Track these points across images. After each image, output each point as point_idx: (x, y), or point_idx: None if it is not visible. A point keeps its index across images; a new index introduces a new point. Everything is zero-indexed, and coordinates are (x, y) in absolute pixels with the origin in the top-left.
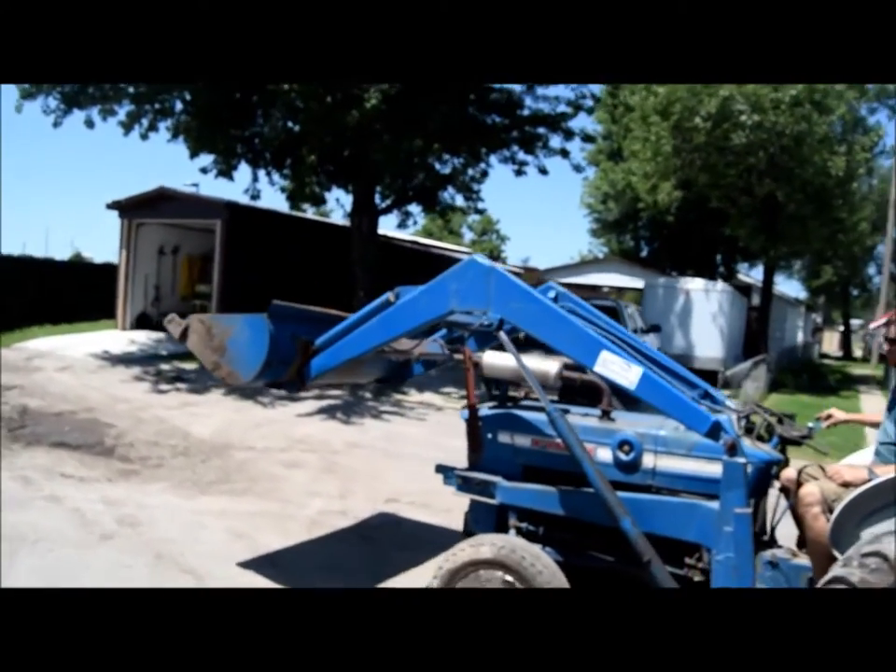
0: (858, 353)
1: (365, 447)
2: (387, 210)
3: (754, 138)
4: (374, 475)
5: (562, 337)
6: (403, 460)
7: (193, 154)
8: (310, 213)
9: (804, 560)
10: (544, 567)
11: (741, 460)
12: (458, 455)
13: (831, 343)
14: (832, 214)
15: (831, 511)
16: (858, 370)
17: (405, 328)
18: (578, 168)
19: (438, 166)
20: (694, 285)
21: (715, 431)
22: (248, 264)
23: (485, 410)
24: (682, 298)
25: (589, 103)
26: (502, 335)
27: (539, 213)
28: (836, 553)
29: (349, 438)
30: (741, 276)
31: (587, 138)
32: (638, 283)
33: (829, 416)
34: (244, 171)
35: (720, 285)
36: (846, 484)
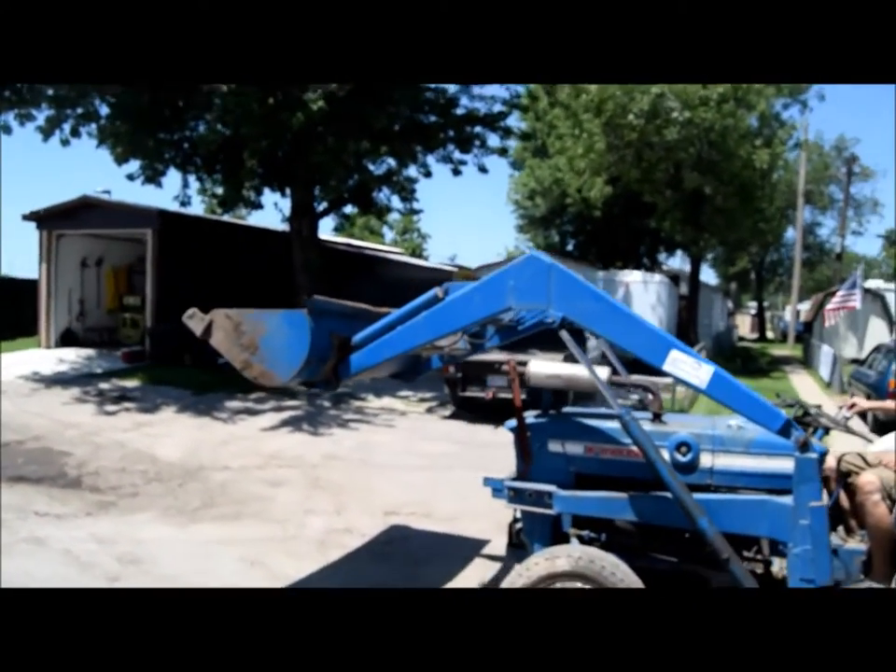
0: (770, 335)
1: (343, 459)
2: (326, 213)
3: (685, 134)
4: (362, 488)
5: (630, 335)
6: (386, 470)
7: (120, 160)
8: (252, 219)
9: (856, 545)
10: (624, 576)
11: (813, 455)
12: (440, 460)
13: (743, 326)
14: (755, 205)
15: (890, 498)
16: (777, 350)
17: (456, 325)
18: (515, 165)
19: (372, 167)
20: (633, 277)
21: (787, 428)
22: (183, 274)
23: (530, 419)
24: (622, 290)
25: (524, 101)
26: (565, 335)
27: (463, 210)
28: None
29: (324, 450)
30: (665, 266)
31: (525, 136)
32: None
33: (853, 405)
34: (171, 177)
35: (657, 276)
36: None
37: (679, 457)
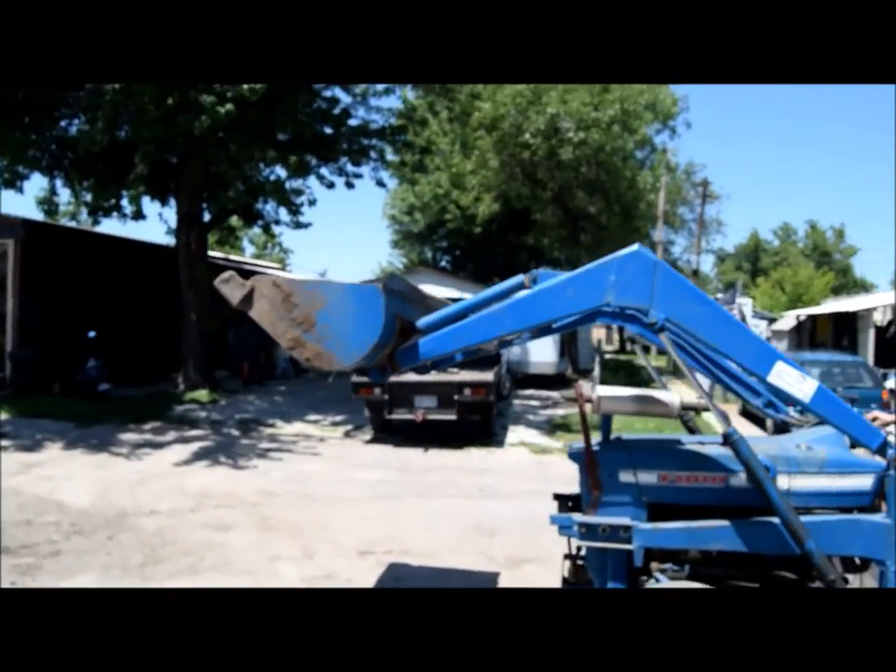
0: (628, 346)
1: (281, 494)
2: (212, 226)
3: (578, 154)
4: (318, 525)
5: (736, 343)
6: (333, 503)
7: None
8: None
9: None
10: None
11: None
12: (382, 489)
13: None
14: (634, 224)
15: None
16: (643, 362)
17: (544, 318)
18: (412, 182)
19: (261, 178)
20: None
21: (884, 448)
22: (52, 291)
23: (595, 448)
24: None
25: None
26: (664, 338)
27: (334, 224)
28: None
29: (256, 485)
30: None
31: (424, 150)
32: (451, 293)
33: (875, 419)
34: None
35: None
36: None
37: None
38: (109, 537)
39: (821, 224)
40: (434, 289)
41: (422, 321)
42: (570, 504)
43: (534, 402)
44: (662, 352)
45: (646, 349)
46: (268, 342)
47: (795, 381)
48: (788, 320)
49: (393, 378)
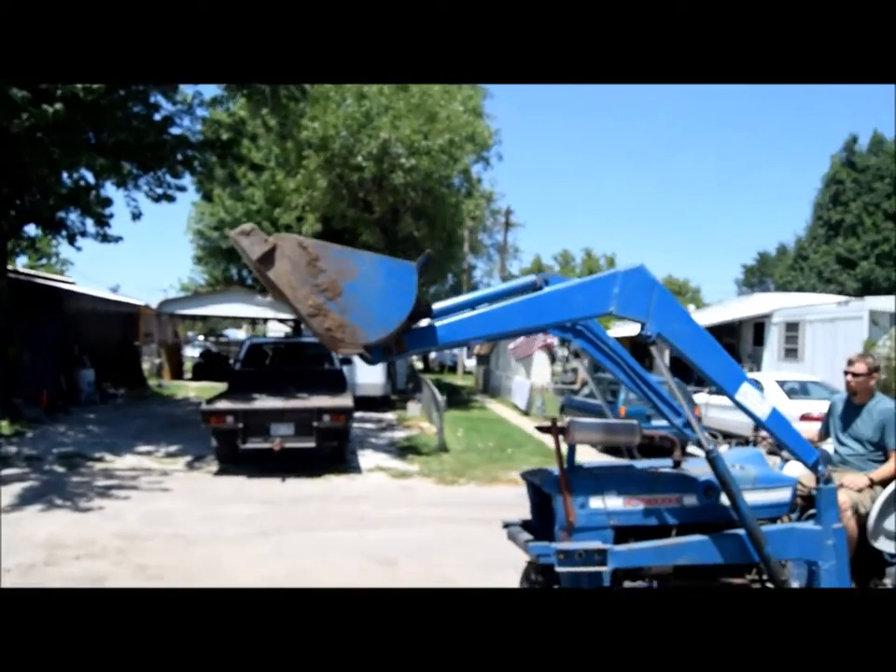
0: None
1: (147, 537)
2: (10, 235)
3: (409, 179)
4: (209, 567)
5: (713, 363)
6: (214, 543)
7: None
8: None
9: None
10: None
11: (833, 486)
12: (258, 524)
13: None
14: (453, 250)
15: (857, 514)
16: (450, 380)
17: (553, 318)
18: (241, 197)
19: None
20: None
21: (817, 464)
22: None
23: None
24: None
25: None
26: (656, 356)
27: (128, 237)
28: (877, 545)
29: (112, 529)
30: None
31: (255, 166)
32: (264, 312)
33: (840, 486)
34: None
35: None
36: (860, 491)
37: (706, 499)
38: None
39: (595, 251)
40: (245, 309)
41: (437, 307)
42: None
43: (369, 425)
44: (466, 371)
45: (442, 367)
46: (69, 364)
47: (757, 401)
48: None
49: (246, 405)
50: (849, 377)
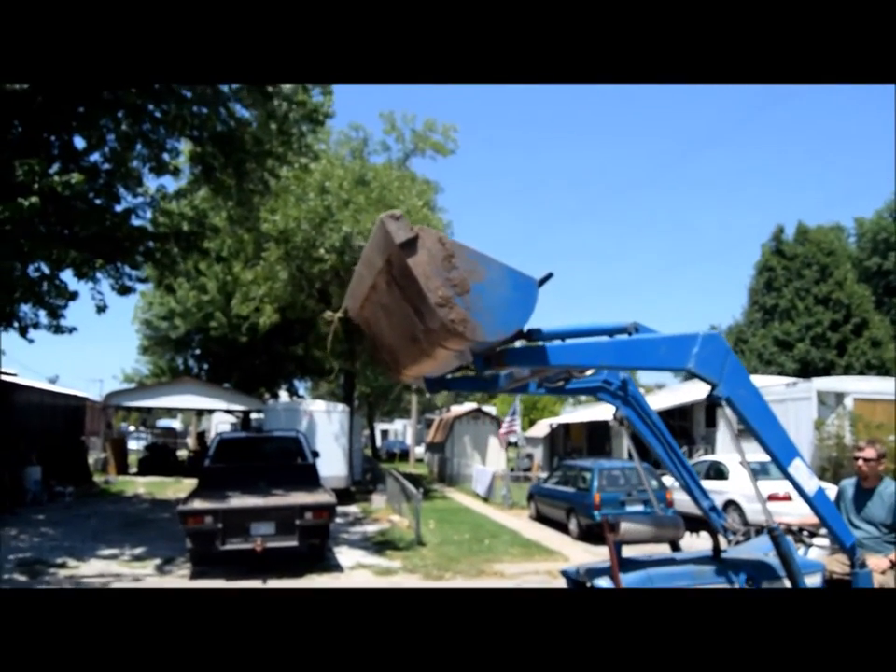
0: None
1: None
2: None
3: None
4: None
5: (772, 434)
6: None
7: None
8: None
9: None
10: None
11: (868, 570)
12: None
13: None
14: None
15: None
16: (407, 469)
17: (636, 363)
18: (202, 289)
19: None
20: (316, 406)
21: (854, 547)
22: None
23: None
24: (306, 419)
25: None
26: (727, 412)
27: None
28: None
29: None
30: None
31: (219, 258)
32: (215, 403)
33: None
34: None
35: (339, 406)
36: (883, 572)
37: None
38: None
39: None
40: (195, 400)
41: (544, 329)
42: None
43: (338, 519)
44: (403, 456)
45: (391, 456)
46: (14, 462)
47: (807, 476)
48: (541, 427)
49: (224, 505)
50: (860, 462)
